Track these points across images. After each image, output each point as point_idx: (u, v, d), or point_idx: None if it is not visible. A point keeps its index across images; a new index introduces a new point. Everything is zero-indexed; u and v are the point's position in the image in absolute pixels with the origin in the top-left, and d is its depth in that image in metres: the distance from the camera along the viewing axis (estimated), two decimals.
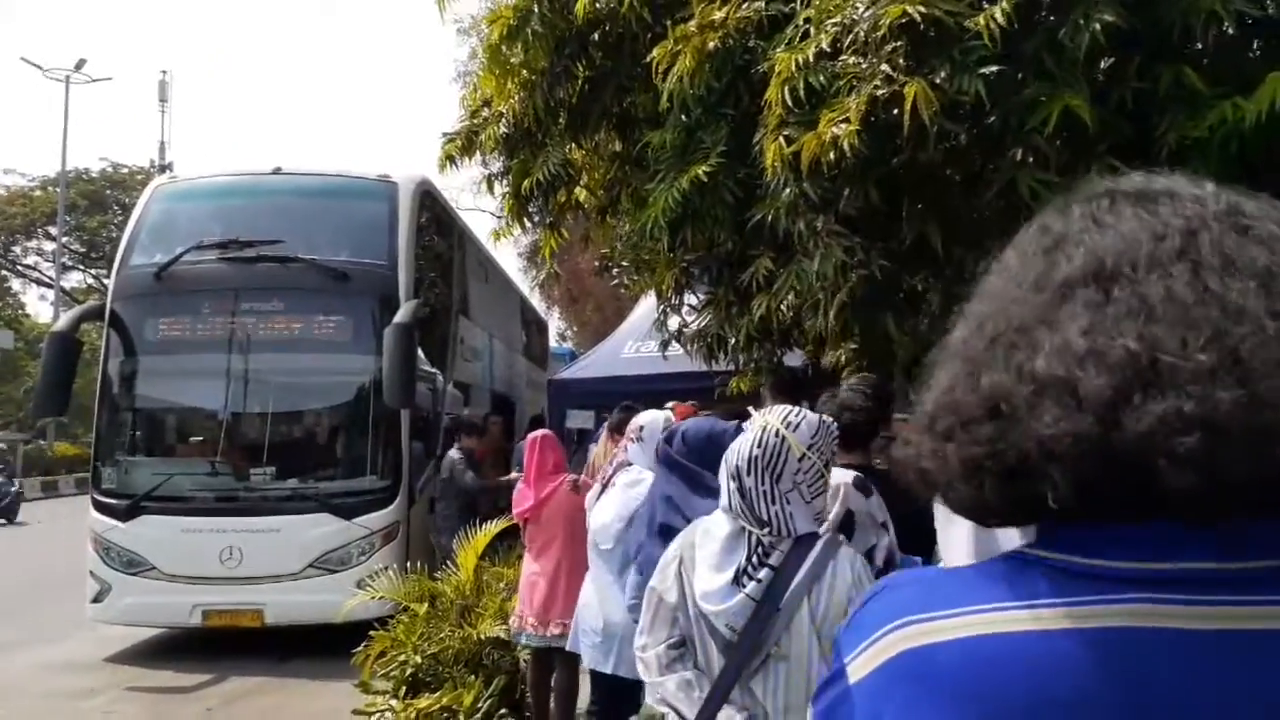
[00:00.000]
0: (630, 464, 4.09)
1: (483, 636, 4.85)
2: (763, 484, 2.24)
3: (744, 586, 2.21)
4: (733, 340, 5.46)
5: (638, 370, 9.99)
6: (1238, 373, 0.63)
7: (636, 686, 2.85)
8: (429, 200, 9.37)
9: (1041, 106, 3.68)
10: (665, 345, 6.43)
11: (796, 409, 2.40)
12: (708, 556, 2.31)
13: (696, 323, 6.07)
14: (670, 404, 5.23)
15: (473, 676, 4.58)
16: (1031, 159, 3.83)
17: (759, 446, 2.27)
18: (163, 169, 30.58)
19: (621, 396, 8.60)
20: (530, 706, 5.25)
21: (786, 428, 2.28)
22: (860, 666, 0.74)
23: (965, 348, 0.78)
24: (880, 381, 3.99)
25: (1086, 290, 0.72)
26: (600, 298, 25.62)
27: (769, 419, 2.32)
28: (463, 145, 5.92)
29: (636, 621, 2.56)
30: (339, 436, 8.53)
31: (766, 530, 2.24)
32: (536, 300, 24.26)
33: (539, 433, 5.55)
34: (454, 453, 8.42)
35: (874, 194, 4.11)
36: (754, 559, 2.24)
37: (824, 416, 2.44)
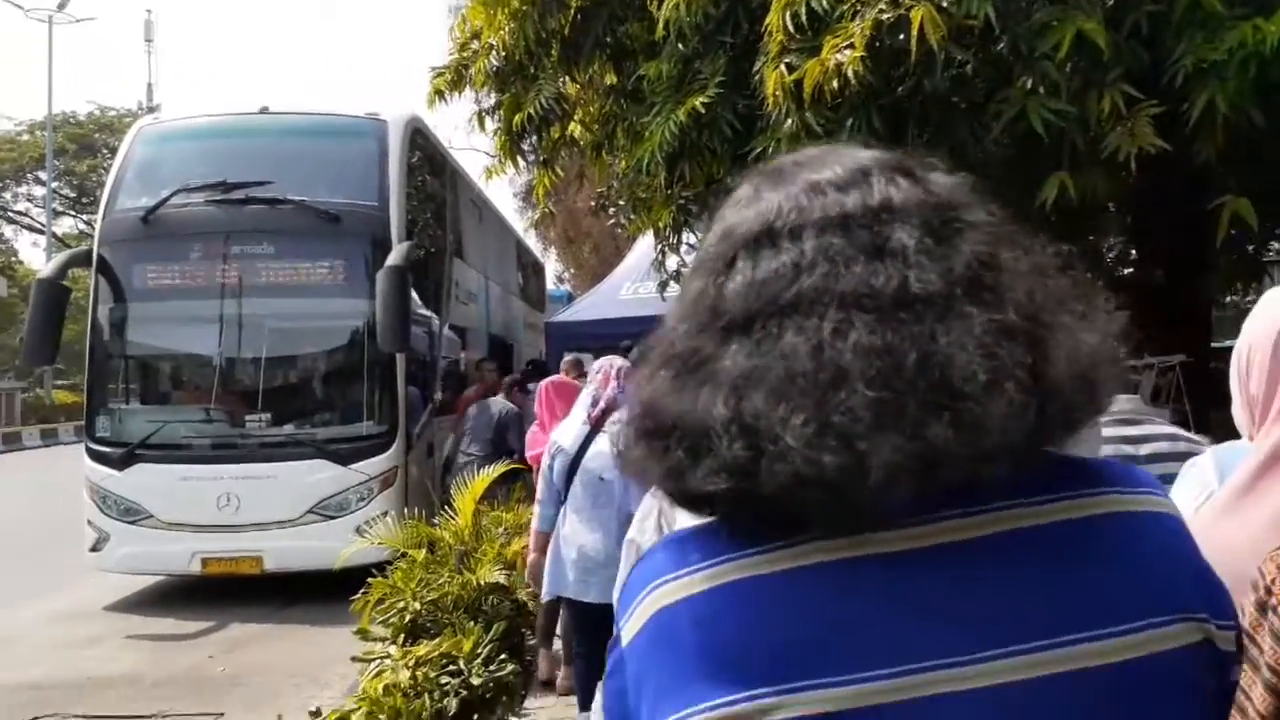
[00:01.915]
0: (622, 405, 4.04)
1: (482, 582, 4.78)
2: None
3: None
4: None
5: (636, 312, 9.87)
6: (837, 436, 0.69)
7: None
8: (420, 139, 9.15)
9: (1053, 31, 3.56)
10: (664, 286, 6.30)
11: None
12: None
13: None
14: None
15: (472, 622, 4.51)
16: (1042, 87, 3.70)
17: None
18: (150, 111, 30.07)
19: (620, 338, 8.50)
20: (531, 649, 5.27)
21: None
22: (628, 630, 0.79)
23: (661, 358, 0.81)
24: None
25: (740, 339, 0.75)
26: (598, 238, 25.38)
27: None
28: (452, 79, 5.75)
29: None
30: (334, 382, 8.41)
31: None
32: (532, 241, 24.03)
33: (551, 379, 5.64)
34: (500, 400, 8.29)
35: (879, 123, 3.97)
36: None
37: None
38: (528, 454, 5.61)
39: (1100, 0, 3.65)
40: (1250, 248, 6.37)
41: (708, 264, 0.83)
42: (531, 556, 4.60)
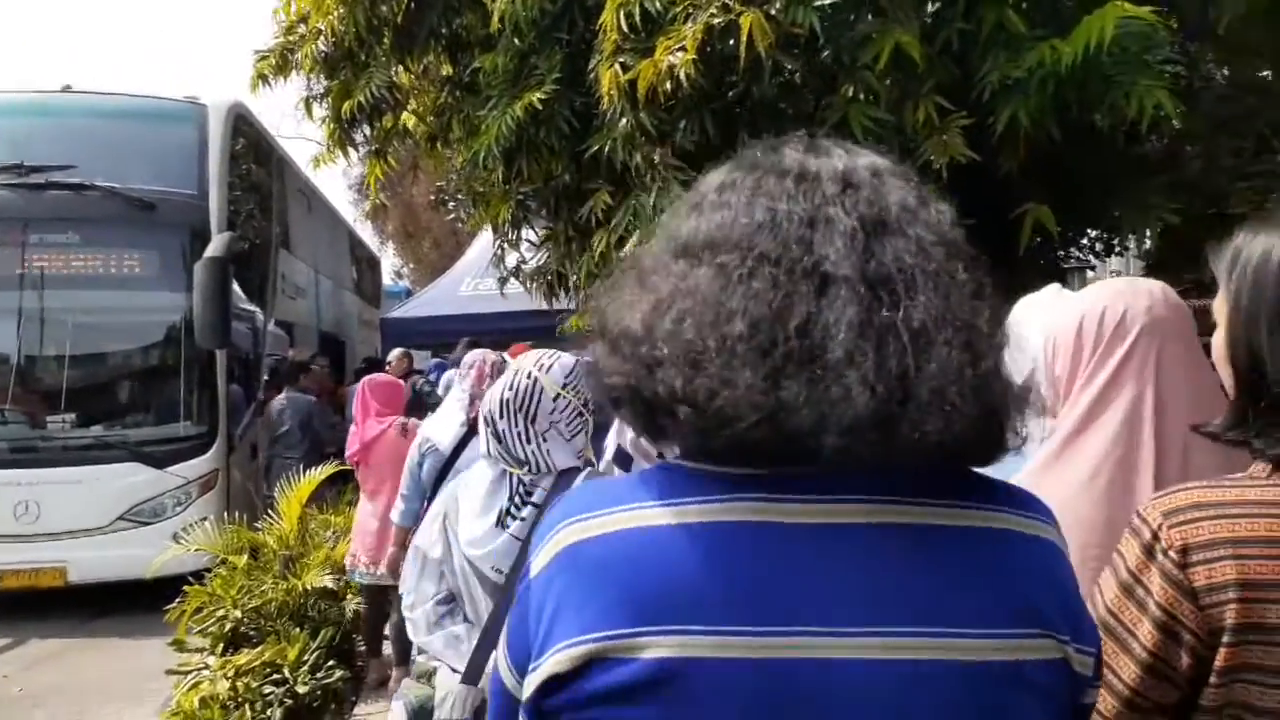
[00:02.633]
0: None
1: (308, 587, 4.62)
2: (516, 425, 2.28)
3: (508, 526, 2.25)
4: (573, 278, 5.32)
5: (476, 309, 9.78)
6: (714, 362, 0.79)
7: None
8: (243, 125, 8.69)
9: (873, 43, 3.71)
10: (504, 282, 6.22)
11: (552, 352, 2.44)
12: (471, 503, 2.33)
13: (535, 259, 5.90)
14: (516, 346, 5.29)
15: (298, 629, 4.36)
16: (863, 96, 3.85)
17: (510, 389, 2.31)
18: None
19: (459, 335, 8.40)
20: (362, 655, 5.12)
21: (539, 369, 2.33)
22: (538, 563, 0.86)
23: (626, 274, 0.93)
24: None
25: (678, 263, 0.87)
26: (438, 233, 24.89)
27: (522, 363, 2.38)
28: (277, 64, 5.48)
29: None
30: (148, 380, 7.86)
31: (525, 469, 2.28)
32: (369, 235, 23.31)
33: (368, 377, 5.59)
34: (299, 394, 8.01)
35: (710, 127, 4.05)
36: (516, 499, 2.28)
37: (579, 357, 2.45)
38: (347, 454, 5.43)
39: (916, 16, 3.83)
40: (1058, 252, 6.87)
41: (688, 199, 0.94)
42: (392, 550, 4.52)
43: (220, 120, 8.03)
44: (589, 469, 2.38)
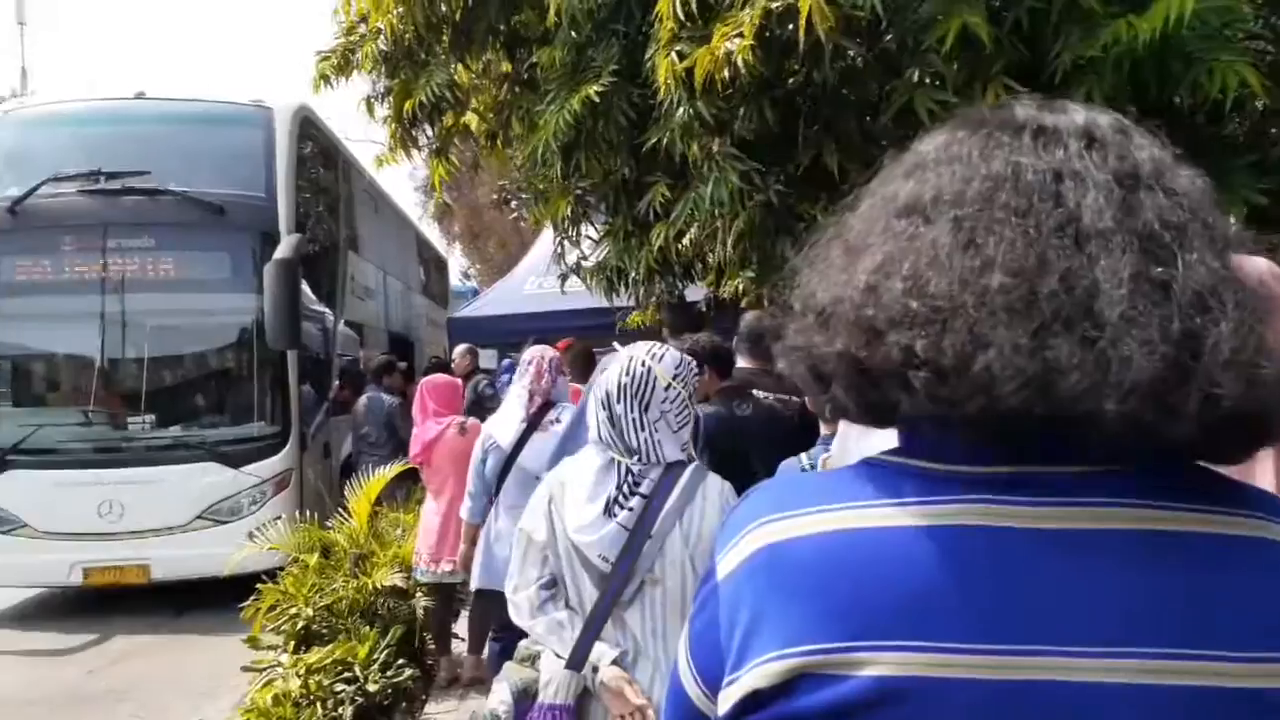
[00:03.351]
0: (556, 402, 4.27)
1: (378, 585, 4.65)
2: (632, 411, 2.29)
3: (615, 515, 2.25)
4: (632, 273, 5.29)
5: (540, 307, 9.79)
6: (966, 319, 0.70)
7: None
8: (310, 128, 8.84)
9: (939, 25, 3.59)
10: (564, 279, 6.21)
11: (660, 344, 2.46)
12: (578, 490, 2.33)
13: (595, 255, 5.87)
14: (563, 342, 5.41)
15: (368, 627, 4.39)
16: (928, 80, 3.74)
17: (627, 374, 2.31)
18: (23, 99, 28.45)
19: (524, 334, 8.43)
20: (432, 653, 5.15)
21: (652, 359, 2.34)
22: (726, 563, 0.78)
23: (828, 250, 0.84)
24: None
25: (899, 222, 0.78)
26: (502, 233, 25.08)
27: (634, 352, 2.38)
28: (338, 64, 5.54)
29: None
30: (223, 381, 8.07)
31: (636, 458, 2.28)
32: (436, 237, 23.62)
33: (426, 378, 5.68)
34: (385, 395, 8.09)
35: (770, 115, 3.97)
36: (624, 488, 2.28)
37: (684, 353, 2.50)
38: (410, 454, 5.55)
39: None
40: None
41: (903, 163, 0.85)
42: (463, 547, 4.62)
43: (287, 123, 8.17)
44: (695, 463, 2.37)
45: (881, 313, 0.73)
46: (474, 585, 4.53)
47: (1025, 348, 0.68)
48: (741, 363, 3.98)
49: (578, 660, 2.24)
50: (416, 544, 5.16)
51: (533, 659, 2.43)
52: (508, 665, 2.54)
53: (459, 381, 5.85)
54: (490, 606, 4.53)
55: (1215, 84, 3.15)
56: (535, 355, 4.39)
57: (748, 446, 3.23)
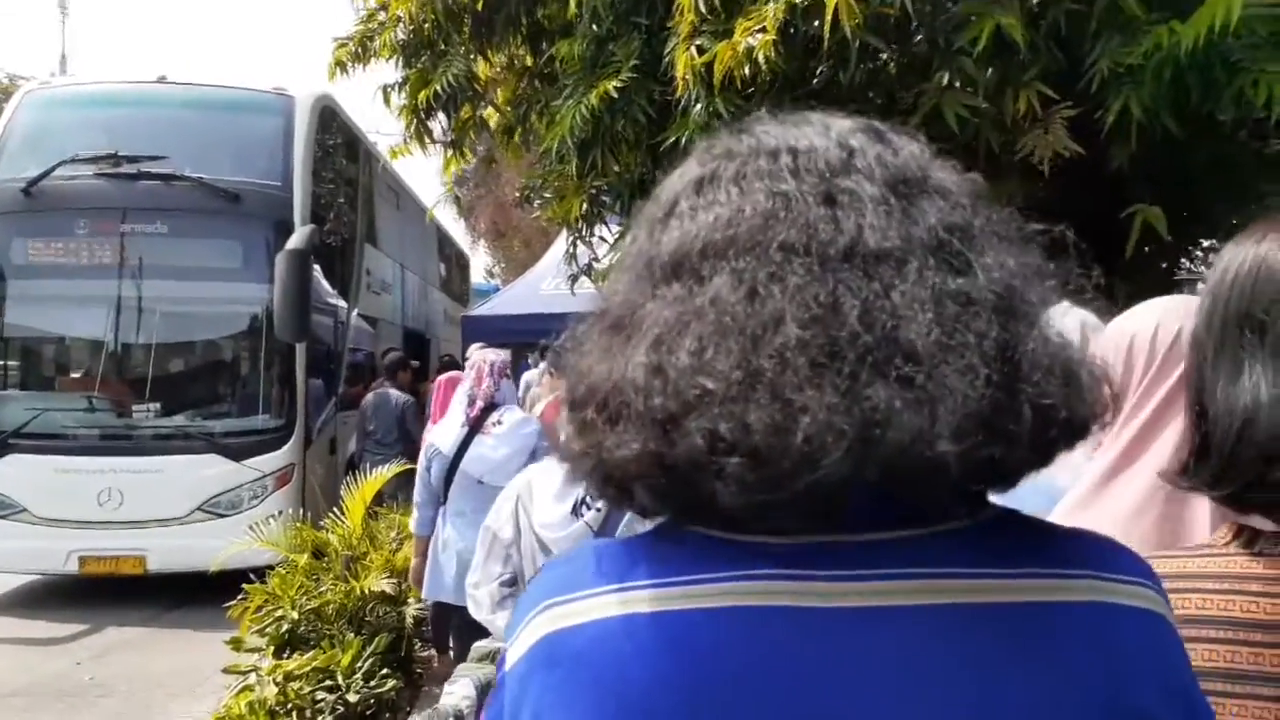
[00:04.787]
0: (499, 405, 4.17)
1: (367, 591, 4.50)
2: None
3: (582, 515, 2.36)
4: None
5: (557, 308, 9.60)
6: (767, 387, 0.61)
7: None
8: (330, 118, 8.73)
9: (971, 25, 3.42)
10: (574, 280, 6.05)
11: None
12: (547, 490, 2.43)
13: (608, 256, 5.70)
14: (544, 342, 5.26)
15: (354, 634, 4.24)
16: (959, 83, 3.57)
17: None
18: None
19: (540, 334, 8.23)
20: (421, 661, 5.01)
21: None
22: (513, 653, 0.70)
23: (594, 325, 0.74)
24: None
25: (668, 287, 0.69)
26: (527, 232, 24.98)
27: None
28: (355, 51, 5.41)
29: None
30: (229, 371, 7.96)
31: None
32: (461, 233, 23.57)
33: (446, 375, 5.55)
34: (395, 392, 7.93)
35: None
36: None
37: None
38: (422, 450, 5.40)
39: None
40: (1163, 264, 6.37)
41: (649, 216, 0.76)
42: (414, 561, 4.46)
43: (307, 112, 8.07)
44: None
45: (672, 398, 0.63)
46: (424, 596, 4.42)
47: (840, 405, 0.60)
48: None
49: None
50: None
51: (491, 655, 2.46)
52: (464, 665, 2.56)
53: None
54: (439, 618, 4.45)
55: (1261, 95, 2.97)
56: (477, 360, 4.28)
57: None
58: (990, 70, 3.54)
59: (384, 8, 5.55)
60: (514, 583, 2.47)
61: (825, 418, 0.60)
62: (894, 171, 0.71)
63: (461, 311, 15.31)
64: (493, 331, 10.24)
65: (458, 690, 2.39)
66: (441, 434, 4.20)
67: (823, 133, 0.74)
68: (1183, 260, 5.90)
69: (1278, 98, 2.96)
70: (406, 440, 7.65)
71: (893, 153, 0.73)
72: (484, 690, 2.37)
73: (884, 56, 3.68)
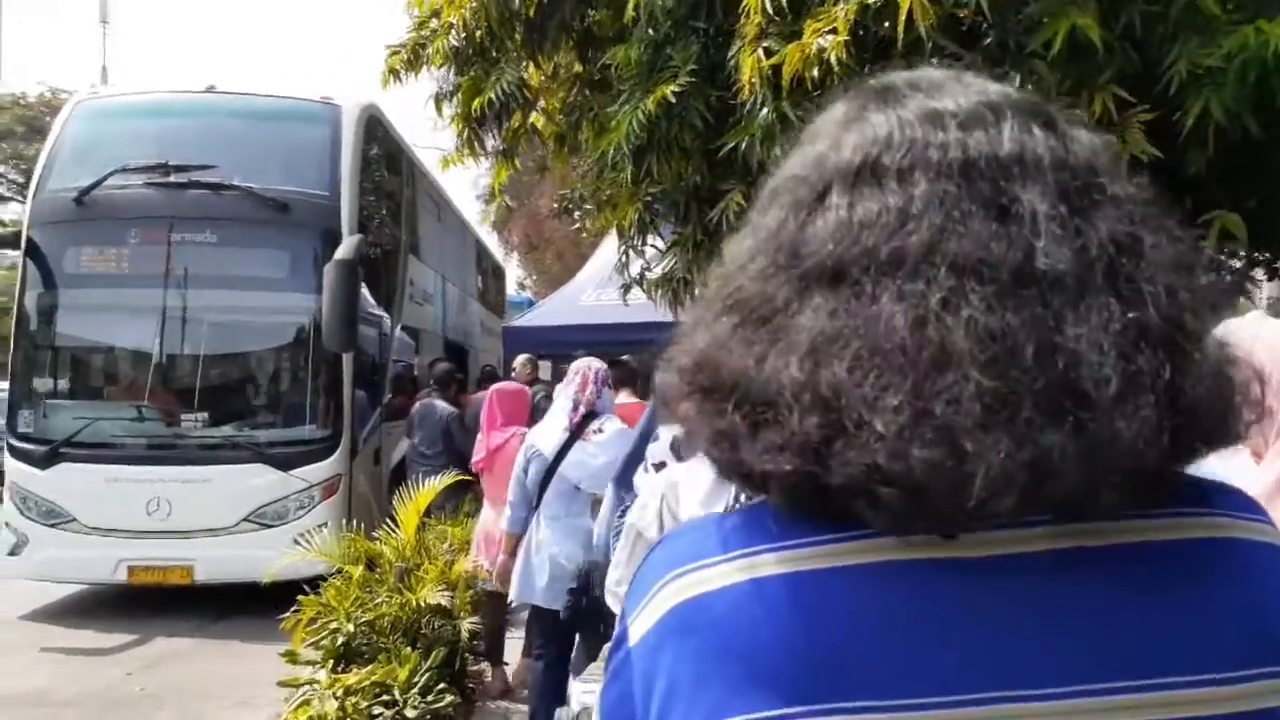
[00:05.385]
0: (598, 413, 4.28)
1: (423, 604, 4.45)
2: None
3: None
4: (700, 287, 5.05)
5: (597, 319, 9.61)
6: (934, 428, 0.59)
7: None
8: (376, 127, 8.75)
9: (1045, 26, 3.35)
10: (627, 290, 5.98)
11: None
12: (695, 494, 2.39)
13: (661, 265, 5.64)
14: (625, 357, 5.55)
15: (410, 648, 4.18)
16: (1031, 85, 3.49)
17: None
18: None
19: (578, 346, 8.22)
20: (473, 675, 4.95)
21: None
22: (638, 627, 0.69)
23: (722, 308, 0.70)
24: None
25: (824, 292, 0.65)
26: (560, 245, 25.06)
27: None
28: (408, 59, 5.39)
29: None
30: (276, 381, 7.97)
31: None
32: (494, 245, 23.64)
33: (497, 385, 5.60)
34: (442, 403, 7.93)
35: None
36: (741, 498, 2.19)
37: None
38: (473, 460, 5.51)
39: None
40: (1249, 270, 6.21)
41: (791, 192, 0.71)
42: (501, 558, 4.51)
43: (353, 121, 8.08)
44: None
45: (831, 425, 0.61)
46: (512, 597, 4.45)
47: (1013, 451, 0.58)
48: None
49: None
50: (474, 553, 5.16)
51: None
52: (598, 664, 2.59)
53: (528, 390, 5.68)
54: (530, 618, 4.46)
55: None
56: (581, 366, 4.40)
57: None
58: (1064, 73, 3.45)
59: (436, 15, 5.54)
60: None
61: (999, 465, 0.58)
62: (1068, 174, 0.66)
63: (498, 322, 15.34)
64: (534, 343, 10.22)
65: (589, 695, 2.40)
66: (543, 436, 4.29)
67: (992, 121, 0.68)
68: (1258, 271, 5.76)
69: None
70: (451, 451, 7.62)
71: (1064, 148, 0.68)
72: None
73: (956, 57, 3.59)
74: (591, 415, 4.26)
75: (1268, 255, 5.01)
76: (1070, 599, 0.62)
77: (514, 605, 4.62)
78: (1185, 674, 0.61)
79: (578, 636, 3.60)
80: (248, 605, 6.74)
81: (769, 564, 0.65)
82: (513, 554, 4.38)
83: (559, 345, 9.91)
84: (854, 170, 0.68)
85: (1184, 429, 0.61)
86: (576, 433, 4.20)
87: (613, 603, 2.56)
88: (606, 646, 2.42)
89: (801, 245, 0.67)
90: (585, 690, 2.41)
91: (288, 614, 4.66)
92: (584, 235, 16.27)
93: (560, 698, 3.49)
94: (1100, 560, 0.63)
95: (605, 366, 4.54)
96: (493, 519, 5.10)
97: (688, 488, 2.42)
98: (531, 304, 19.61)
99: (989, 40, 3.69)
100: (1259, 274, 5.57)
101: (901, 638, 0.62)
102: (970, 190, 0.65)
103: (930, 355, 0.60)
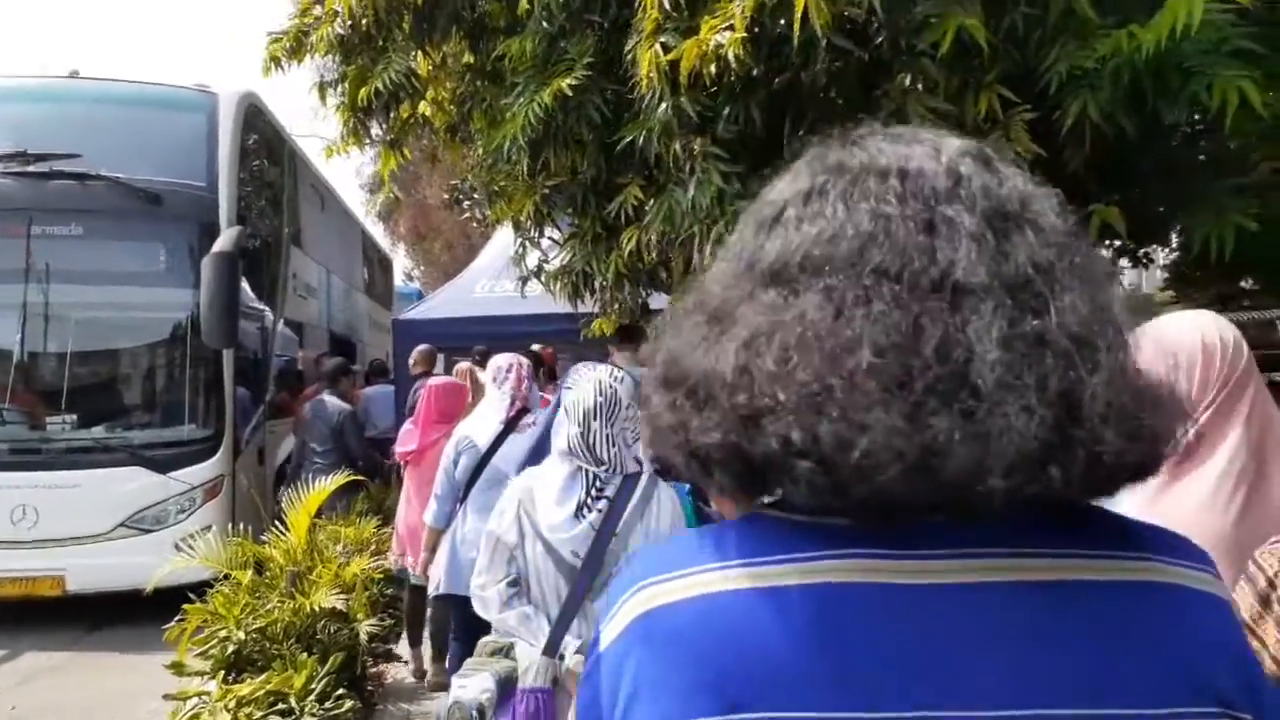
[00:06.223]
0: (529, 408, 4.39)
1: (317, 608, 4.31)
2: (605, 428, 2.60)
3: (585, 517, 2.56)
4: (600, 278, 5.04)
5: (491, 310, 9.48)
6: (838, 404, 0.66)
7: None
8: (255, 117, 8.40)
9: (933, 27, 3.44)
10: (524, 283, 5.92)
11: (616, 369, 2.78)
12: (548, 495, 2.61)
13: (559, 258, 5.60)
14: (535, 346, 5.41)
15: (306, 654, 4.05)
16: (920, 84, 3.60)
17: (601, 395, 2.62)
18: None
19: (475, 338, 8.10)
20: (370, 679, 4.84)
21: (616, 381, 2.66)
22: (609, 632, 0.75)
23: (689, 314, 0.79)
24: None
25: (767, 293, 0.74)
26: (450, 235, 24.67)
27: (600, 374, 2.69)
28: (291, 46, 5.20)
29: None
30: (152, 380, 7.55)
31: (603, 468, 2.60)
32: (380, 236, 23.07)
33: (434, 381, 5.63)
34: (336, 399, 7.67)
35: (756, 113, 3.76)
36: (591, 493, 2.59)
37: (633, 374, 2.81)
38: (397, 449, 5.54)
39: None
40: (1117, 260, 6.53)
41: (756, 214, 0.81)
42: (423, 555, 4.55)
43: (232, 110, 7.74)
44: (649, 471, 2.65)
45: (756, 399, 0.69)
46: (439, 590, 4.45)
47: (902, 429, 0.65)
48: None
49: (552, 648, 2.51)
50: (395, 545, 5.27)
51: (505, 650, 2.60)
52: (473, 660, 2.64)
53: (466, 387, 5.58)
54: (450, 610, 4.42)
55: (1216, 99, 3.03)
56: (513, 362, 4.44)
57: None
58: (951, 72, 3.56)
59: (319, 2, 5.36)
60: (517, 583, 2.62)
61: (885, 439, 0.64)
62: (996, 203, 0.73)
63: (386, 315, 14.99)
64: (425, 335, 10.00)
65: (474, 683, 2.46)
66: (476, 428, 4.33)
67: (933, 155, 0.76)
68: (1124, 261, 6.06)
69: (1232, 100, 3.04)
70: (343, 450, 7.41)
71: (998, 183, 0.75)
72: (504, 683, 2.50)
73: (849, 56, 3.67)
74: (525, 409, 4.37)
75: (1133, 245, 5.29)
76: (1017, 628, 0.67)
77: (432, 597, 4.63)
78: (1125, 707, 0.65)
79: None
80: (125, 615, 6.42)
81: (742, 576, 0.71)
82: (433, 549, 4.41)
83: (454, 338, 9.74)
84: (806, 192, 0.77)
85: (1083, 438, 0.66)
86: (511, 425, 4.28)
87: (478, 606, 2.66)
88: (481, 641, 2.47)
89: (757, 256, 0.76)
90: (459, 684, 2.50)
91: (171, 624, 4.44)
92: (475, 225, 16.04)
93: None
94: (1063, 595, 0.68)
95: (529, 362, 4.62)
96: (416, 513, 5.07)
97: (541, 491, 2.61)
98: (420, 295, 19.24)
99: (880, 40, 3.79)
100: (1124, 263, 5.88)
101: (837, 652, 0.67)
102: (904, 210, 0.72)
103: (838, 342, 0.67)
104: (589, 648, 0.80)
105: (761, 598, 0.69)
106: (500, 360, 4.47)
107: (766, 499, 0.78)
